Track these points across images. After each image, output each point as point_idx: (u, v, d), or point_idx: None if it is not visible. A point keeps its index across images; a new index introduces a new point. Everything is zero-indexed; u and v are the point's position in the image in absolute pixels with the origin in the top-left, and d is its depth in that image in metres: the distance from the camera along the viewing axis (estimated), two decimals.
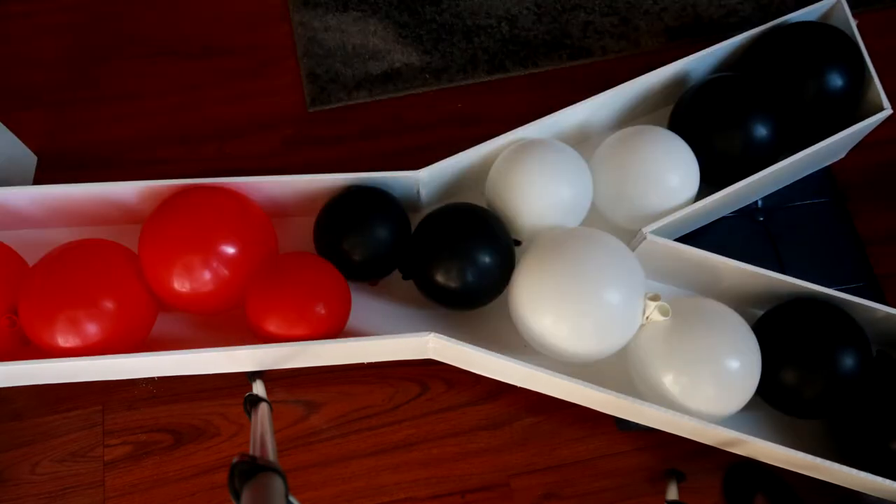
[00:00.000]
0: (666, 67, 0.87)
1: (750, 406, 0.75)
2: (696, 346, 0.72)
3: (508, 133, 0.83)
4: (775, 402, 0.79)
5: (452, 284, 0.75)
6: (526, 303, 0.74)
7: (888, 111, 0.86)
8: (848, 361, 0.75)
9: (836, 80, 0.86)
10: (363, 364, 0.87)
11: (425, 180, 0.83)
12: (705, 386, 0.72)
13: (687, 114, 0.88)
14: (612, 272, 0.72)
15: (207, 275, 0.72)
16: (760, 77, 0.87)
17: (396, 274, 0.82)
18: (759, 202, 0.95)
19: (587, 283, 0.71)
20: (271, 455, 0.57)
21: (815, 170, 0.96)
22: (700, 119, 0.86)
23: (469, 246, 0.75)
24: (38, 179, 1.01)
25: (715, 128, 0.85)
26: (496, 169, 0.83)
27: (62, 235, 0.81)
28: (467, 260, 0.75)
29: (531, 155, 0.80)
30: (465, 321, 0.85)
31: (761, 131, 0.84)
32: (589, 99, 0.85)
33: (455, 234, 0.76)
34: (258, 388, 0.72)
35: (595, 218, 0.86)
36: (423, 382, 0.91)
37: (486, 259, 0.75)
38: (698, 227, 0.91)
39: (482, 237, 0.76)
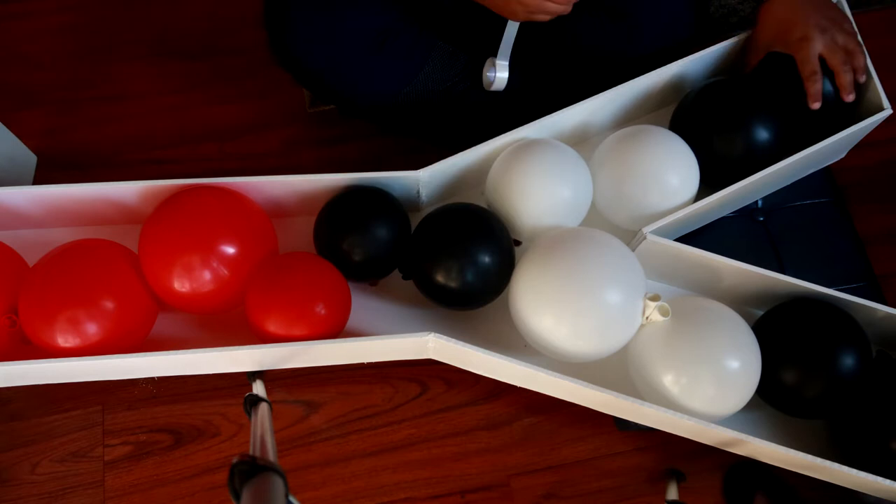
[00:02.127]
0: (666, 67, 0.87)
1: (750, 406, 0.75)
2: (695, 346, 0.72)
3: (508, 133, 0.83)
4: (775, 402, 0.79)
5: (452, 284, 0.75)
6: (526, 303, 0.74)
7: (888, 111, 0.86)
8: (848, 361, 0.75)
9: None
10: (363, 364, 0.88)
11: (425, 180, 0.83)
12: (705, 386, 0.72)
13: (688, 116, 0.88)
14: (613, 272, 0.72)
15: (207, 275, 0.72)
16: (761, 78, 0.87)
17: (396, 274, 0.82)
18: (759, 202, 0.95)
19: (587, 282, 0.71)
20: (271, 455, 0.57)
21: (815, 170, 0.96)
22: (701, 122, 0.86)
23: (469, 246, 0.76)
24: (38, 179, 1.01)
25: (716, 130, 0.85)
26: (496, 169, 0.83)
27: (62, 235, 0.81)
28: (467, 260, 0.75)
29: (531, 155, 0.80)
30: (465, 321, 0.85)
31: (763, 134, 0.84)
32: (589, 99, 0.85)
33: (455, 234, 0.76)
34: (258, 388, 0.72)
35: (595, 218, 0.86)
36: (423, 382, 0.91)
37: (487, 259, 0.75)
38: (698, 227, 0.91)
39: (482, 237, 0.76)
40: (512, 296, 0.76)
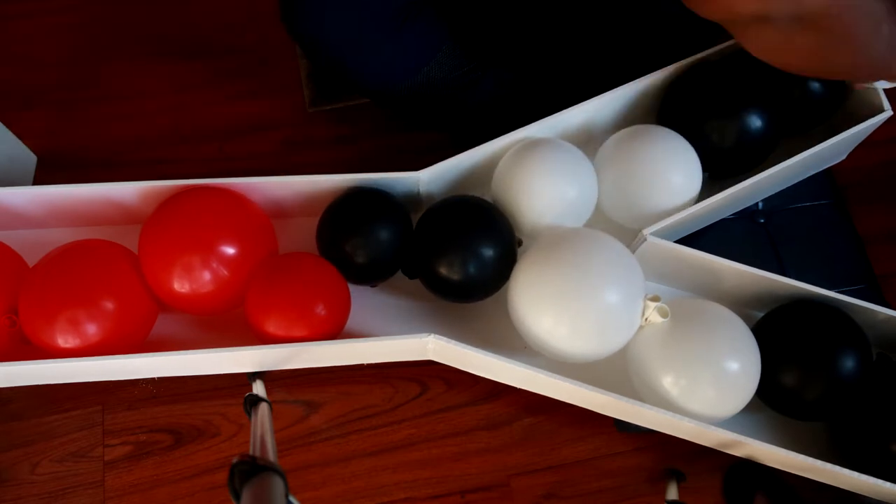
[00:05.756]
0: (669, 67, 0.87)
1: (750, 408, 0.75)
2: (695, 347, 0.72)
3: (511, 133, 0.83)
4: (775, 404, 0.79)
5: (456, 276, 0.75)
6: (525, 302, 0.74)
7: (888, 112, 0.86)
8: (848, 364, 0.74)
9: (837, 82, 0.86)
10: (363, 364, 0.87)
11: (427, 181, 0.83)
12: (705, 388, 0.72)
13: (677, 103, 0.88)
14: (612, 273, 0.72)
15: (207, 275, 0.72)
16: (761, 73, 0.86)
17: (397, 274, 0.82)
18: (760, 204, 0.95)
19: (587, 283, 0.71)
20: (271, 455, 0.57)
21: (815, 171, 0.96)
22: (691, 109, 0.86)
23: (472, 234, 0.76)
24: (38, 179, 1.01)
25: (708, 117, 0.84)
26: (503, 167, 0.82)
27: (62, 235, 0.81)
28: (471, 248, 0.75)
29: (539, 153, 0.80)
30: (465, 320, 0.85)
31: (756, 123, 0.83)
32: (593, 99, 0.85)
33: (458, 224, 0.76)
34: (258, 388, 0.72)
35: (598, 218, 0.86)
36: (423, 382, 0.91)
37: (489, 246, 0.75)
38: (699, 228, 0.91)
39: (484, 226, 0.77)
40: (511, 295, 0.76)
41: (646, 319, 0.74)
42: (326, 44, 0.85)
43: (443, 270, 0.76)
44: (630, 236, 0.82)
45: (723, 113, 0.84)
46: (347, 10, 0.83)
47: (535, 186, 0.79)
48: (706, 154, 0.84)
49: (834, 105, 0.89)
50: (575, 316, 0.71)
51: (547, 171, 0.79)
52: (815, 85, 0.85)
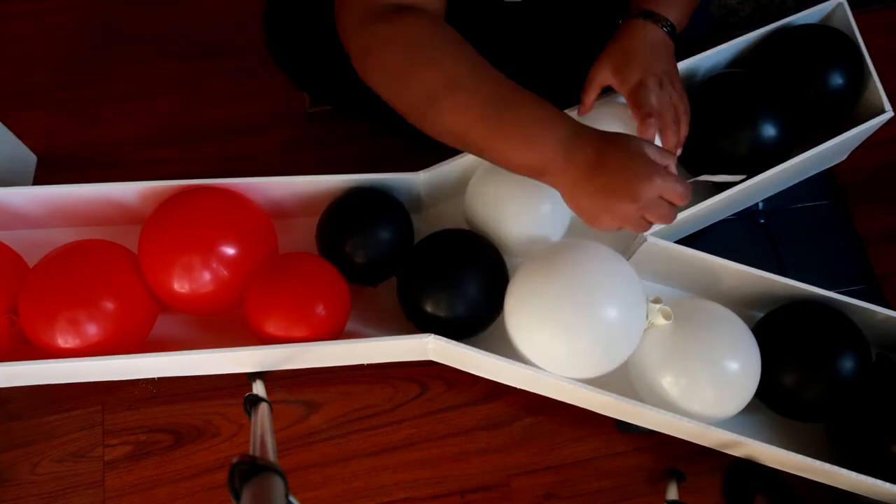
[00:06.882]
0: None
1: (750, 409, 0.75)
2: (695, 348, 0.72)
3: None
4: (775, 405, 0.79)
5: (442, 313, 0.74)
6: (521, 328, 0.71)
7: (889, 114, 0.86)
8: (847, 364, 0.75)
9: (838, 81, 0.86)
10: (363, 364, 0.88)
11: (426, 181, 0.82)
12: (704, 388, 0.72)
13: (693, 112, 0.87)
14: (610, 288, 0.69)
15: (207, 275, 0.72)
16: (765, 77, 0.86)
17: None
18: (760, 204, 0.96)
19: (585, 302, 0.68)
20: (271, 455, 0.57)
21: (816, 171, 0.95)
22: (705, 117, 0.85)
23: (460, 283, 0.74)
24: (38, 179, 1.01)
25: (721, 125, 0.84)
26: (473, 189, 0.80)
27: (62, 235, 0.81)
28: (462, 295, 0.73)
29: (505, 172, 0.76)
30: None
31: (769, 130, 0.82)
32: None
33: (446, 271, 0.74)
34: (258, 389, 0.72)
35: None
36: (423, 382, 0.91)
37: (479, 294, 0.74)
38: (699, 229, 0.91)
39: (472, 267, 0.75)
40: (506, 321, 0.73)
41: (650, 322, 0.74)
42: (311, 71, 0.87)
43: (440, 314, 0.74)
44: (630, 237, 0.82)
45: (739, 126, 0.83)
46: (326, 37, 0.81)
47: (508, 205, 0.76)
48: (720, 167, 0.84)
49: (844, 112, 0.88)
50: (574, 338, 0.68)
51: (518, 186, 0.76)
52: (826, 92, 0.85)
